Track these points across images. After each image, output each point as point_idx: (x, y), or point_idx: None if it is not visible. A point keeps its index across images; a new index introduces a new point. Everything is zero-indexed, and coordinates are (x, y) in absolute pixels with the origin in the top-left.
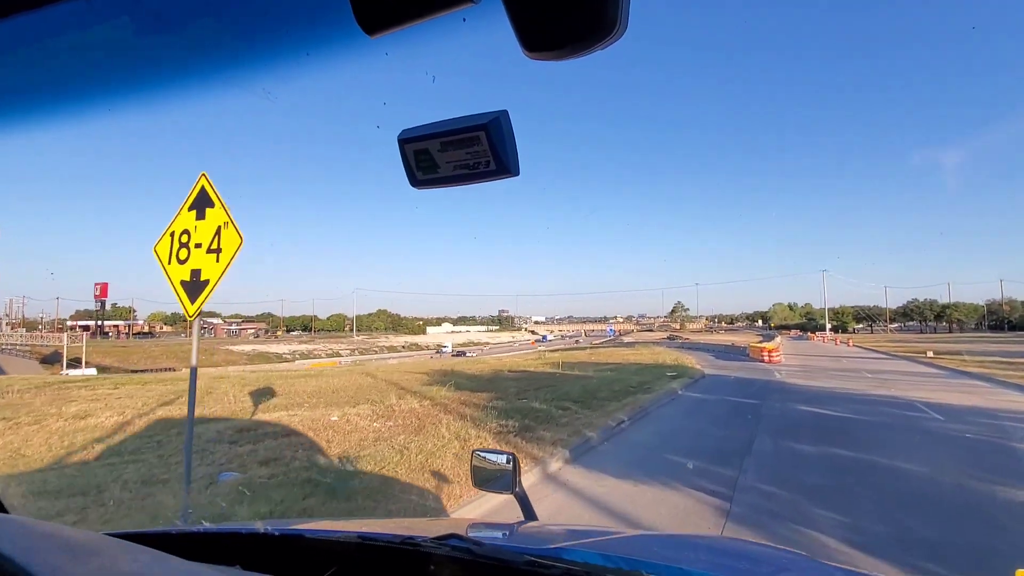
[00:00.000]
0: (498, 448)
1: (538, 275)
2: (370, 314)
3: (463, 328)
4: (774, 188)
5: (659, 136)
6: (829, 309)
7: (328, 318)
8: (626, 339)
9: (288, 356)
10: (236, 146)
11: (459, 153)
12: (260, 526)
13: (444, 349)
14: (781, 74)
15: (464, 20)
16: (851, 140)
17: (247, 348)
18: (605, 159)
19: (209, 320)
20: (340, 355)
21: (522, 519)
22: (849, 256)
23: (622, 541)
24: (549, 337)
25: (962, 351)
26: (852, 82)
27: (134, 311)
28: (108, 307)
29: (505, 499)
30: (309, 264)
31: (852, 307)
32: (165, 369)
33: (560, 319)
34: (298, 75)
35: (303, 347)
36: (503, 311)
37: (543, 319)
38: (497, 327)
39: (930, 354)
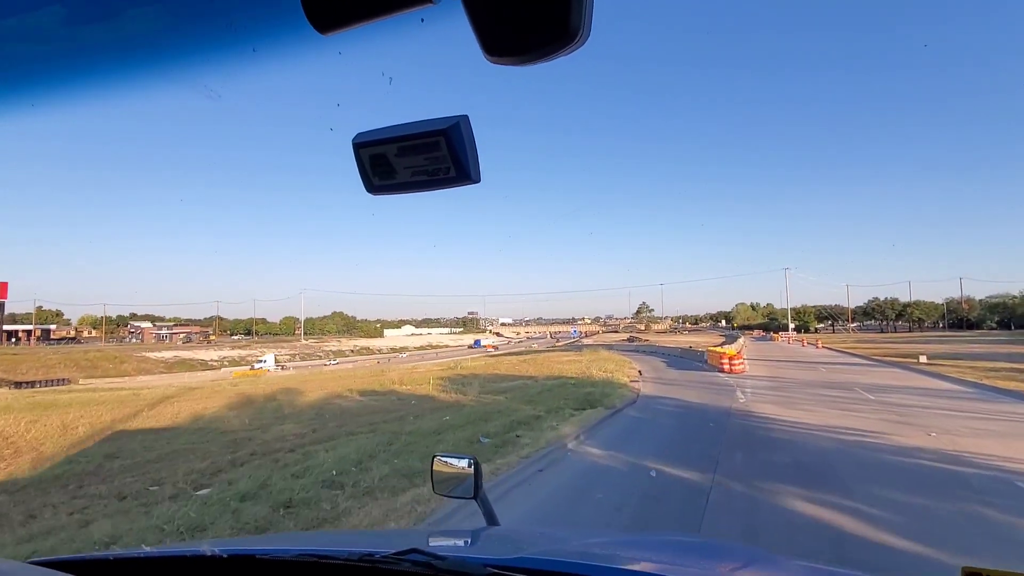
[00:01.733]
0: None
1: (509, 277)
2: (324, 317)
3: (425, 330)
4: (737, 188)
5: (623, 136)
6: (791, 308)
7: (280, 321)
8: (586, 341)
9: (215, 363)
10: (180, 143)
11: (418, 159)
12: (206, 547)
13: (261, 363)
14: (742, 76)
15: (423, 21)
16: (811, 138)
17: (168, 355)
18: (570, 159)
19: (137, 324)
20: (278, 361)
21: (485, 525)
22: (811, 254)
23: (586, 545)
24: (483, 342)
25: (946, 353)
26: (811, 82)
27: (61, 314)
28: (33, 309)
29: None
30: (262, 266)
31: (813, 306)
32: (56, 381)
33: (529, 321)
34: (244, 73)
35: (237, 353)
36: (472, 313)
37: (510, 321)
38: (461, 329)
39: (923, 359)
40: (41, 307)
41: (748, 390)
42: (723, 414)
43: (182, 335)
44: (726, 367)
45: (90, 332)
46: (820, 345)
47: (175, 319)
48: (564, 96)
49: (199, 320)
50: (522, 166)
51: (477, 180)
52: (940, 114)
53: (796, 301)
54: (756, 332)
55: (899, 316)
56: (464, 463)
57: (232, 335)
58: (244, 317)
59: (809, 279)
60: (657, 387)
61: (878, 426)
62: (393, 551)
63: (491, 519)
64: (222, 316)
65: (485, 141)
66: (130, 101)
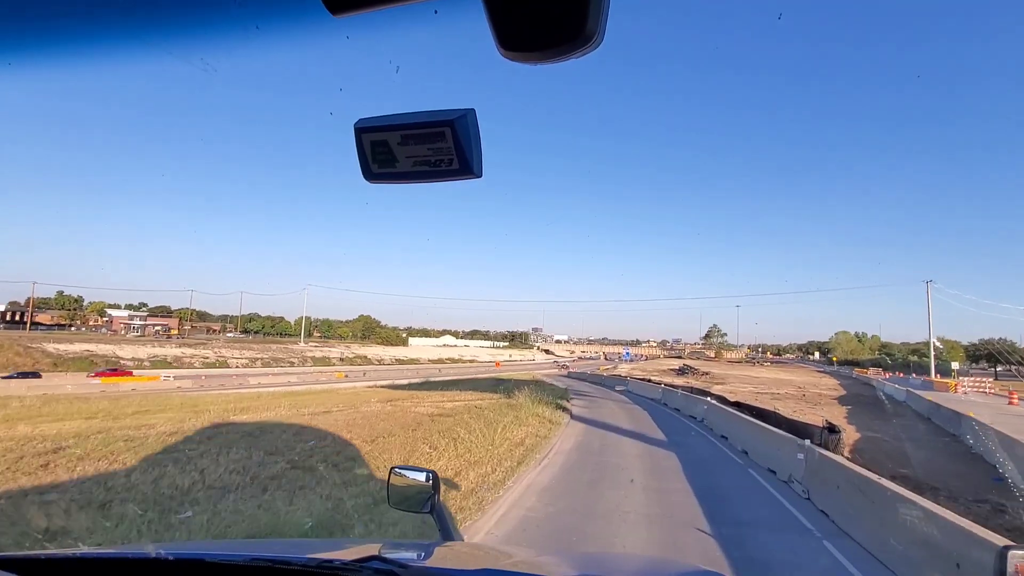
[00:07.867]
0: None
1: (574, 294)
2: (349, 320)
3: (464, 343)
4: (836, 188)
5: (700, 134)
6: (915, 342)
7: (295, 321)
8: (621, 368)
9: (130, 363)
10: (189, 121)
11: (420, 148)
12: (151, 549)
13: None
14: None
15: (436, 12)
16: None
17: (78, 348)
18: (634, 166)
19: (111, 312)
20: (228, 365)
21: (440, 539)
22: (953, 268)
23: (545, 563)
24: (496, 360)
25: None
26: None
27: (81, 300)
28: (54, 295)
29: None
30: (303, 263)
31: (952, 339)
32: None
33: (592, 340)
34: (245, 48)
35: (182, 352)
36: (537, 328)
37: (566, 338)
38: (506, 344)
39: None
40: (62, 292)
41: None
42: None
43: (158, 327)
44: None
45: (96, 320)
46: None
47: (193, 312)
48: (620, 97)
49: (226, 317)
50: (583, 176)
51: (479, 175)
52: None
53: (912, 331)
54: (872, 371)
55: None
56: (422, 476)
57: (225, 331)
58: (266, 314)
59: (953, 296)
60: None
61: None
62: (352, 558)
63: (447, 534)
64: (260, 314)
65: (518, 145)
66: (114, 69)
